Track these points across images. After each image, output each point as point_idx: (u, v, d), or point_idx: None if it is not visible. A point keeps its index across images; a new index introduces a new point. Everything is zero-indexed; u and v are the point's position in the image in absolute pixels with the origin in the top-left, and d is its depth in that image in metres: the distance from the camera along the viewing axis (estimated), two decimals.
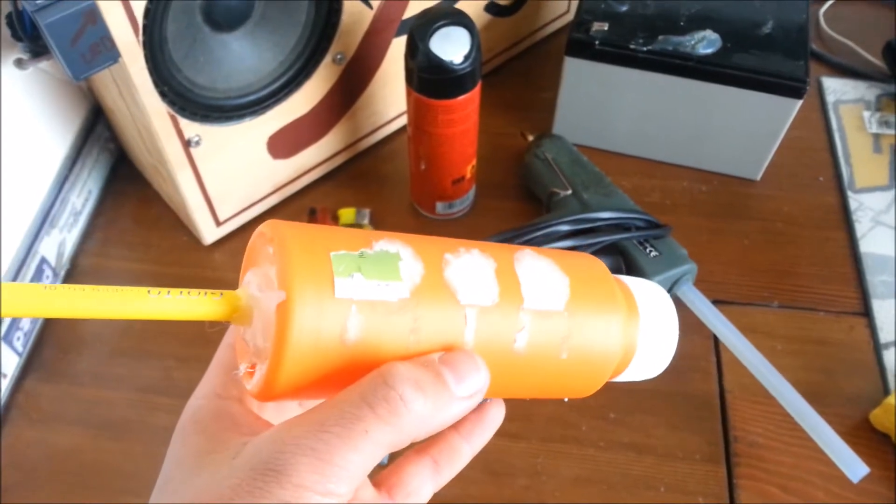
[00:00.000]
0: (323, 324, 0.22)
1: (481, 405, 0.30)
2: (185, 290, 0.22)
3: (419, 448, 0.29)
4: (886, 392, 0.51)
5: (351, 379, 0.23)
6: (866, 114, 0.67)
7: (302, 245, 0.22)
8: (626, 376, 0.31)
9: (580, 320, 0.27)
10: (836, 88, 0.69)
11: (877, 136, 0.65)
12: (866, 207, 0.61)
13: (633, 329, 0.29)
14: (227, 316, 0.23)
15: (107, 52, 0.41)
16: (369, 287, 0.23)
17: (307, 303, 0.21)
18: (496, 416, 0.30)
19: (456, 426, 0.30)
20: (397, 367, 0.23)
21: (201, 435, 0.24)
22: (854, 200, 0.61)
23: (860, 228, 0.59)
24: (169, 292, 0.22)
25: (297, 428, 0.22)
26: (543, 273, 0.27)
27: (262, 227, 0.24)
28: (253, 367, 0.24)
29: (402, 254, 0.24)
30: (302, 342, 0.22)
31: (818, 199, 0.62)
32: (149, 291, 0.22)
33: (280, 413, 0.28)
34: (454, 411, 0.24)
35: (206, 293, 0.23)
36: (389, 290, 0.23)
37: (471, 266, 0.25)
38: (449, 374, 0.23)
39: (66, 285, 0.21)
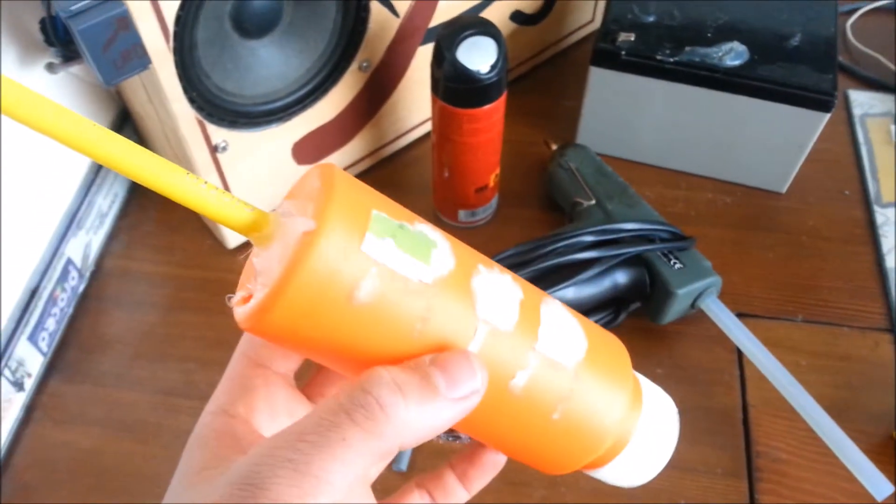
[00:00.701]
0: (340, 268, 0.21)
1: (478, 452, 0.29)
2: (221, 190, 0.22)
3: (419, 482, 0.29)
4: None
5: (339, 344, 0.22)
6: (893, 127, 0.66)
7: (348, 191, 0.22)
8: (607, 472, 0.29)
9: (585, 386, 0.25)
10: (863, 102, 0.69)
11: None
12: (893, 222, 0.60)
13: (632, 422, 0.27)
14: (250, 230, 0.22)
15: (138, 58, 0.41)
16: (396, 256, 0.22)
17: (332, 242, 0.21)
18: (495, 460, 0.29)
19: (453, 466, 0.30)
20: (377, 371, 0.22)
21: (204, 450, 0.24)
22: (881, 215, 0.61)
23: (886, 243, 0.59)
24: (205, 183, 0.21)
25: (276, 439, 0.21)
26: (566, 325, 0.26)
27: (318, 166, 0.23)
28: (250, 296, 0.22)
29: (440, 244, 0.23)
30: (314, 277, 0.21)
31: (844, 213, 0.61)
32: (187, 174, 0.21)
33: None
34: (446, 415, 0.22)
35: (239, 201, 0.22)
36: (414, 269, 0.22)
37: (500, 285, 0.24)
38: (439, 376, 0.22)
39: (107, 130, 0.20)
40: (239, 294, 0.23)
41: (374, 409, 0.21)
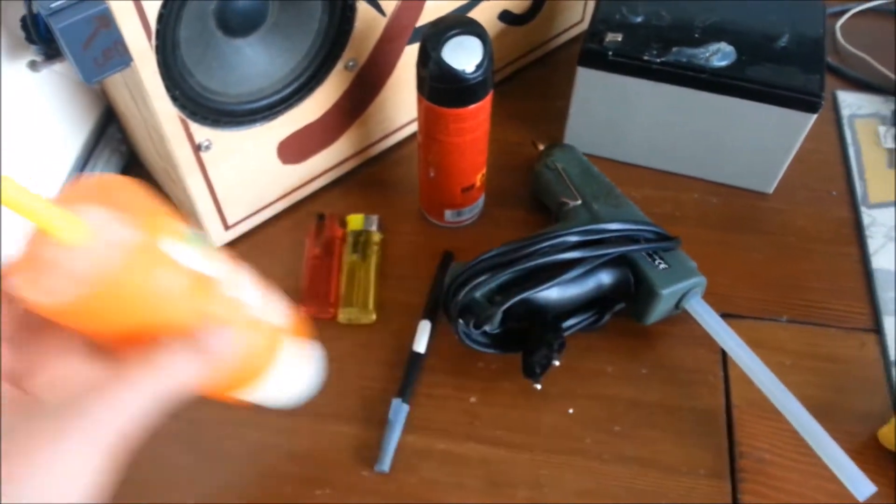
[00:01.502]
0: (152, 269, 0.27)
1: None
2: (48, 199, 0.25)
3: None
4: None
5: (128, 323, 0.29)
6: (881, 129, 0.66)
7: (146, 202, 0.29)
8: (258, 394, 0.38)
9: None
10: (851, 102, 0.69)
11: (891, 152, 0.65)
12: (880, 223, 0.60)
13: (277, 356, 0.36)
14: (65, 235, 0.26)
15: (119, 56, 0.41)
16: (190, 256, 0.29)
17: (146, 248, 0.27)
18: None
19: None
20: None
21: None
22: (867, 216, 0.61)
23: (873, 244, 0.59)
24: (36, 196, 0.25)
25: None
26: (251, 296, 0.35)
27: (115, 179, 0.29)
28: (41, 284, 0.26)
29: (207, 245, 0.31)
30: (133, 277, 0.27)
31: (831, 214, 0.61)
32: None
33: None
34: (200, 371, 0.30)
35: (61, 210, 0.26)
36: (199, 264, 0.30)
37: (241, 283, 0.34)
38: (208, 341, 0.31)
39: None
40: (23, 278, 0.27)
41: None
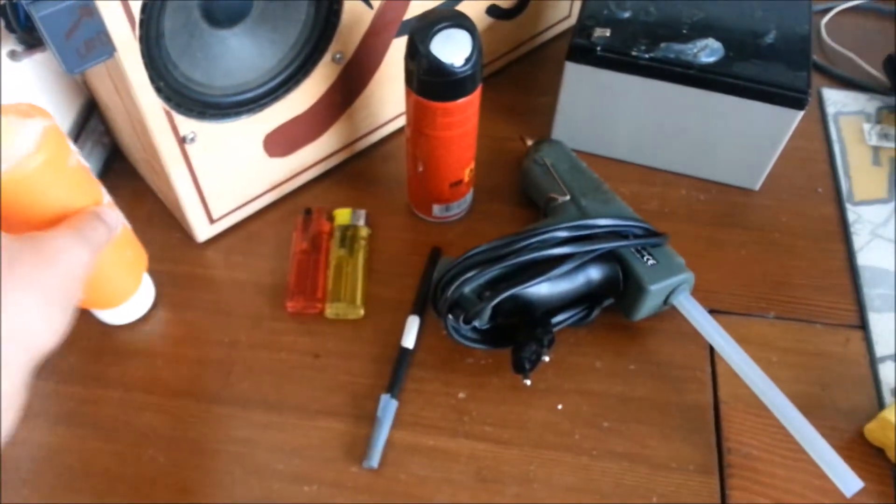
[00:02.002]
0: (66, 144, 0.42)
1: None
2: None
3: None
4: (881, 406, 0.51)
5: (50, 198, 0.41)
6: (866, 126, 0.67)
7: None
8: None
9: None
10: (836, 100, 0.69)
11: (876, 149, 0.65)
12: (865, 220, 0.60)
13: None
14: None
15: (102, 46, 0.40)
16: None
17: (58, 131, 0.41)
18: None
19: None
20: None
21: None
22: (853, 213, 0.61)
23: (858, 241, 0.59)
24: None
25: None
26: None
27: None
28: None
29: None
30: (57, 152, 0.40)
31: (817, 211, 0.62)
32: None
33: None
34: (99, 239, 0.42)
35: None
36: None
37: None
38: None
39: None
40: None
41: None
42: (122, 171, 0.63)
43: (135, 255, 0.51)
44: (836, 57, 0.73)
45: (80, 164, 0.44)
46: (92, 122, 0.61)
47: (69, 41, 0.40)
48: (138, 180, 0.62)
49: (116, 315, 0.54)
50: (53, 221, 0.42)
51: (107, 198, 0.46)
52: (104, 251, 0.42)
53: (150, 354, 0.53)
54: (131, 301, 0.53)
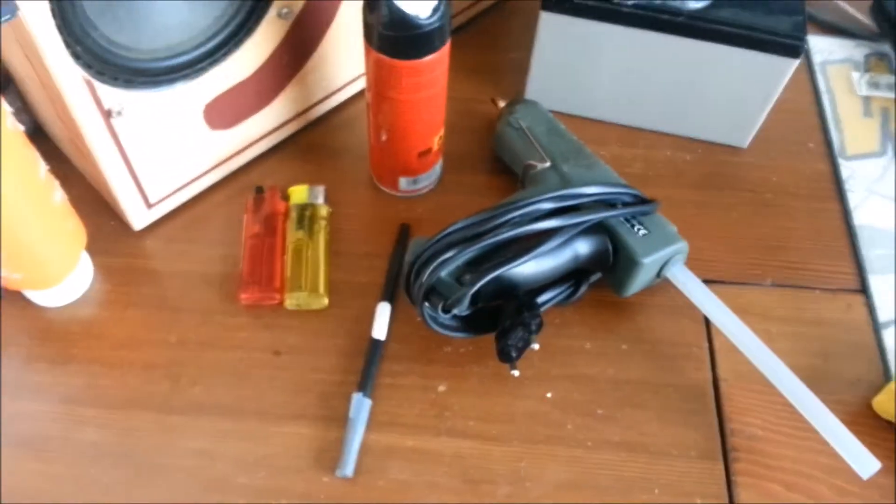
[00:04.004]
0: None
1: None
2: None
3: None
4: (887, 375, 0.48)
5: None
6: (855, 75, 0.63)
7: None
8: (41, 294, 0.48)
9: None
10: (822, 48, 0.65)
11: (867, 99, 0.61)
12: (859, 176, 0.57)
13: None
14: None
15: (1, 5, 0.33)
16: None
17: None
18: None
19: None
20: None
21: None
22: (846, 168, 0.57)
23: (853, 199, 0.56)
24: None
25: None
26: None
27: None
28: None
29: None
30: None
31: (809, 168, 0.58)
32: None
33: None
34: None
35: None
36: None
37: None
38: None
39: None
40: None
41: None
42: (45, 152, 0.54)
43: (74, 227, 0.47)
44: (821, 2, 0.69)
45: (15, 127, 0.39)
46: (7, 97, 0.53)
47: None
48: (63, 161, 0.55)
49: (52, 297, 0.48)
50: None
51: (44, 166, 0.43)
52: (41, 222, 0.41)
53: (87, 360, 0.47)
54: (69, 280, 0.48)
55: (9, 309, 0.49)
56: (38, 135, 0.56)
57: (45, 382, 0.46)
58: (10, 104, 0.53)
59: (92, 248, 0.51)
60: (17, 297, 0.49)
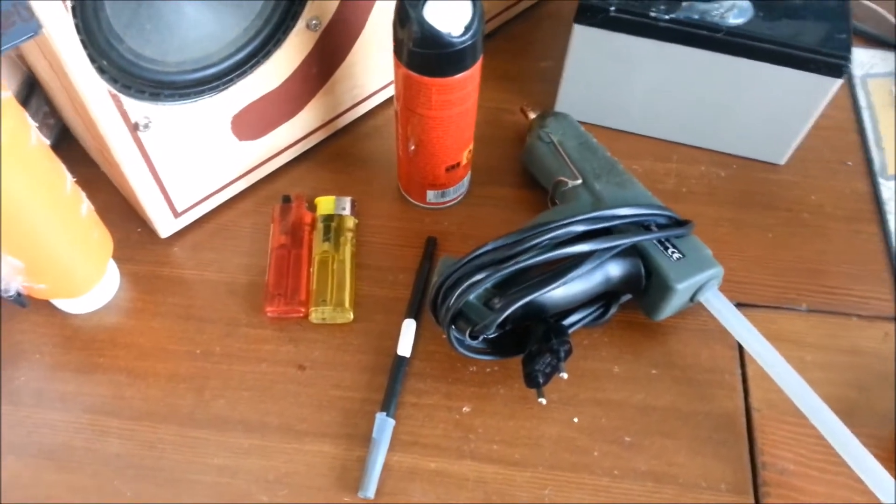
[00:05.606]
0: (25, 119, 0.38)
1: None
2: None
3: None
4: None
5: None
6: (895, 89, 0.61)
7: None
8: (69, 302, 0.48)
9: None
10: (864, 60, 0.63)
11: None
12: None
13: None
14: None
15: (23, 22, 0.33)
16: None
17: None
18: None
19: None
20: None
21: None
22: (886, 188, 0.56)
23: (893, 221, 0.54)
24: None
25: None
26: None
27: None
28: None
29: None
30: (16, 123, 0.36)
31: (847, 187, 0.56)
32: None
33: None
34: None
35: None
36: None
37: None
38: None
39: None
40: None
41: None
42: (73, 157, 0.54)
43: (101, 238, 0.47)
44: (861, 11, 0.67)
45: (41, 142, 0.38)
46: (33, 102, 0.53)
47: None
48: (91, 166, 0.54)
49: (79, 304, 0.49)
50: (15, 209, 0.38)
51: (70, 179, 0.42)
52: (67, 237, 0.41)
53: (112, 369, 0.47)
54: (97, 288, 0.48)
55: (34, 316, 0.49)
56: (66, 138, 0.56)
57: (69, 392, 0.46)
58: (37, 108, 0.53)
59: (119, 256, 0.51)
60: (44, 304, 0.49)
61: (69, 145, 0.56)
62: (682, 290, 0.44)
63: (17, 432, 0.45)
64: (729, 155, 0.57)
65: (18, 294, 0.43)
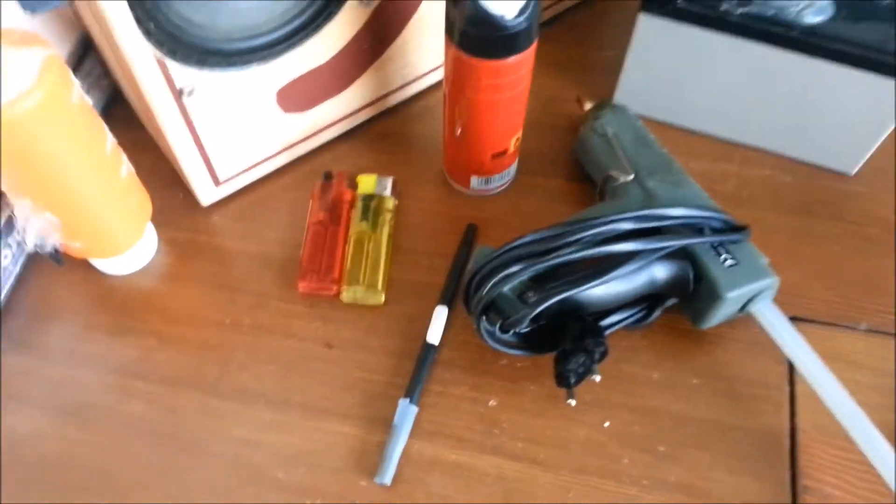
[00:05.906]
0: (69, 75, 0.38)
1: None
2: None
3: None
4: None
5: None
6: None
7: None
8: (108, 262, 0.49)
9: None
10: None
11: None
12: None
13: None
14: None
15: None
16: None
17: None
18: None
19: None
20: None
21: None
22: None
23: None
24: None
25: None
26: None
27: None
28: None
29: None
30: (61, 79, 0.37)
31: None
32: None
33: None
34: None
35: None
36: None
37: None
38: None
39: None
40: None
41: None
42: (124, 118, 0.55)
43: (140, 201, 0.47)
44: None
45: (83, 100, 0.39)
46: (87, 63, 0.53)
47: None
48: (141, 129, 0.55)
49: (116, 265, 0.49)
50: (53, 167, 0.38)
51: (111, 140, 0.42)
52: (105, 197, 0.42)
53: (143, 332, 0.47)
54: (133, 250, 0.48)
55: (70, 275, 0.49)
56: (118, 100, 0.57)
57: (99, 352, 0.47)
58: (91, 69, 0.53)
59: (159, 220, 0.51)
60: (81, 264, 0.49)
61: (121, 107, 0.56)
62: (732, 298, 0.42)
63: (44, 388, 0.45)
64: (795, 160, 0.54)
65: (55, 251, 0.44)
